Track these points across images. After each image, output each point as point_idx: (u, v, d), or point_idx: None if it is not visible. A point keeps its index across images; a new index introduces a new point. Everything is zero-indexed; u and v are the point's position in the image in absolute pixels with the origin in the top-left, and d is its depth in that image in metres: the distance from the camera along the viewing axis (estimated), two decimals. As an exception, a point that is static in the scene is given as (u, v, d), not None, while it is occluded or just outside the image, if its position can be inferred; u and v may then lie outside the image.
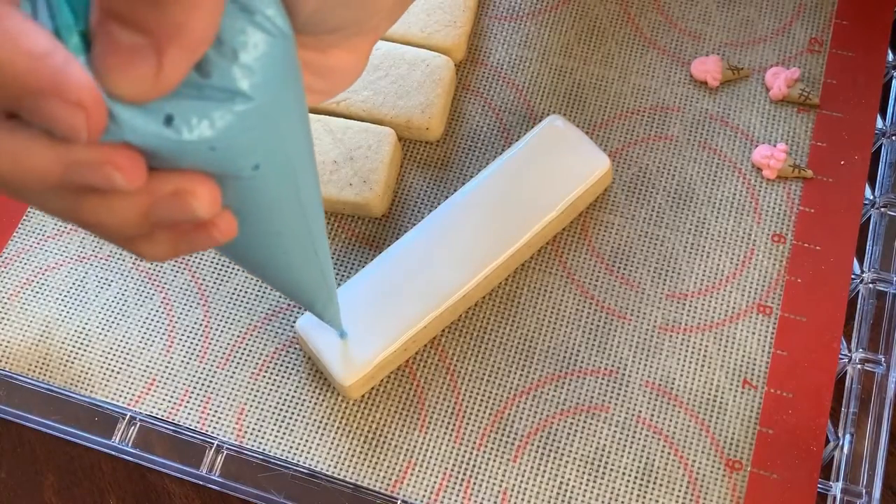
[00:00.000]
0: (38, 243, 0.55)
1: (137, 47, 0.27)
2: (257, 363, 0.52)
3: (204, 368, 0.52)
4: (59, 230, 0.56)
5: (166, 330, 0.53)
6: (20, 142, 0.28)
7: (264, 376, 0.52)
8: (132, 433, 0.50)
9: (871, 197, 0.54)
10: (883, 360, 0.50)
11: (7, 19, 0.25)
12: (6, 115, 0.28)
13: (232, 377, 0.52)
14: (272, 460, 0.49)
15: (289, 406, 0.51)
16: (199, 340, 0.53)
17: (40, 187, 0.29)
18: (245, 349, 0.52)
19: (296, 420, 0.50)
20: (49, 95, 0.26)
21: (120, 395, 0.51)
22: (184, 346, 0.52)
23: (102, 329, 0.53)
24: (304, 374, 0.52)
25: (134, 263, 0.55)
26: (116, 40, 0.27)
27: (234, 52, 0.28)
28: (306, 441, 0.50)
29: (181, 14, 0.26)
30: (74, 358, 0.52)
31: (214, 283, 0.54)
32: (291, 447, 0.50)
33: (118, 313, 0.53)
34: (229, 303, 0.53)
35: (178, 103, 0.28)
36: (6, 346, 0.53)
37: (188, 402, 0.51)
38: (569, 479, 0.49)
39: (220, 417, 0.51)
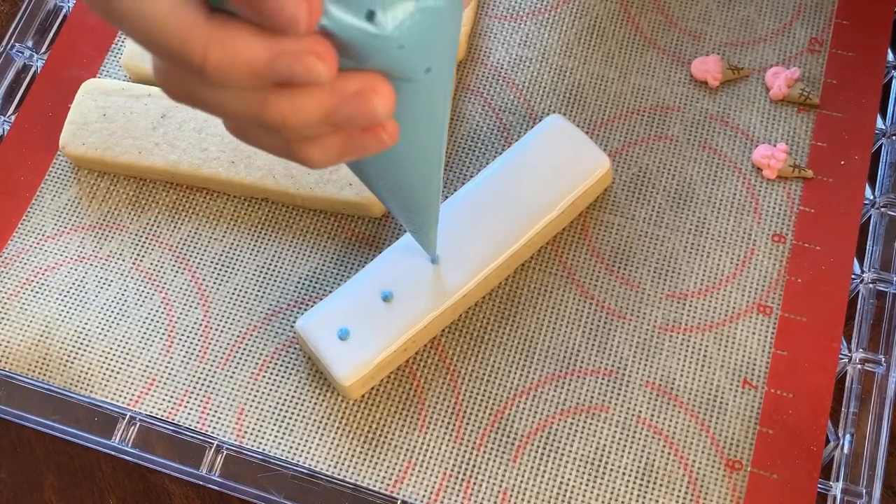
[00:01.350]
0: (38, 243, 0.55)
1: None
2: (257, 363, 0.52)
3: (204, 368, 0.52)
4: (59, 230, 0.56)
5: (166, 330, 0.53)
6: (231, 33, 0.30)
7: (264, 376, 0.52)
8: (132, 433, 0.50)
9: (871, 197, 0.54)
10: (883, 360, 0.50)
11: None
12: (210, 9, 0.30)
13: (232, 377, 0.52)
14: (272, 460, 0.49)
15: (289, 406, 0.51)
16: (199, 340, 0.53)
17: (243, 79, 0.30)
18: (245, 349, 0.52)
19: (296, 420, 0.50)
20: None
21: (120, 395, 0.51)
22: (184, 346, 0.52)
23: (102, 329, 0.53)
24: (304, 374, 0.52)
25: (134, 263, 0.55)
26: None
27: None
28: (306, 441, 0.50)
29: None
30: (74, 358, 0.52)
31: (214, 283, 0.54)
32: (291, 447, 0.50)
33: (118, 313, 0.53)
34: (229, 303, 0.53)
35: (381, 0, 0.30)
36: (6, 346, 0.53)
37: (188, 402, 0.51)
38: (569, 479, 0.49)
39: (219, 417, 0.51)
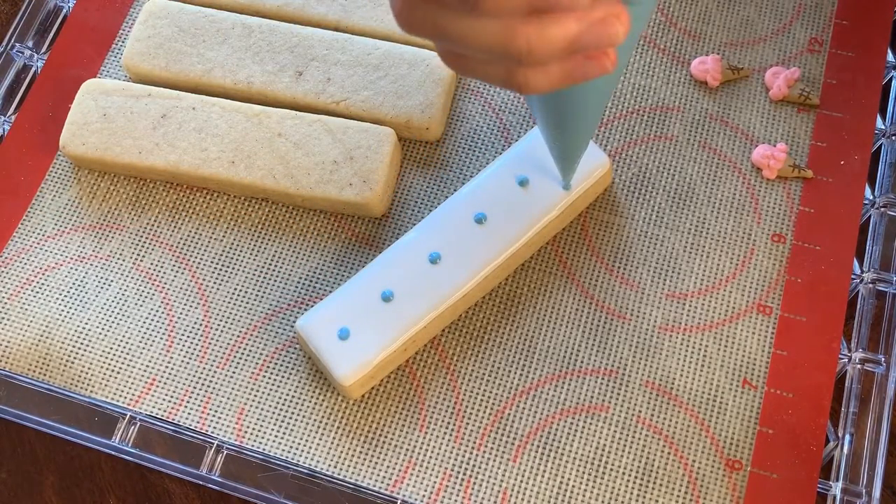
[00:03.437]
0: (38, 243, 0.55)
1: None
2: (257, 363, 0.52)
3: (204, 368, 0.52)
4: (59, 230, 0.56)
5: (166, 330, 0.53)
6: (545, 22, 0.32)
7: (264, 376, 0.52)
8: (132, 433, 0.50)
9: (871, 197, 0.54)
10: (883, 360, 0.50)
11: None
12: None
13: (232, 377, 0.52)
14: (272, 460, 0.49)
15: (289, 406, 0.51)
16: (199, 340, 0.53)
17: (513, 9, 0.32)
18: (245, 349, 0.52)
19: (296, 420, 0.50)
20: None
21: (120, 395, 0.51)
22: (184, 346, 0.52)
23: (102, 329, 0.53)
24: (304, 374, 0.52)
25: (134, 263, 0.55)
26: None
27: None
28: (306, 441, 0.50)
29: None
30: (74, 358, 0.52)
31: (214, 283, 0.54)
32: (291, 447, 0.50)
33: (118, 313, 0.53)
34: (229, 303, 0.53)
35: None
36: (6, 346, 0.53)
37: (188, 402, 0.51)
38: (569, 479, 0.49)
39: (220, 417, 0.51)
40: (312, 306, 0.52)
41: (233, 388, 0.51)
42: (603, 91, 0.41)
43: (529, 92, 0.35)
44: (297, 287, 0.54)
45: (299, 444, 0.50)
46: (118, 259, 0.55)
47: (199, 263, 0.54)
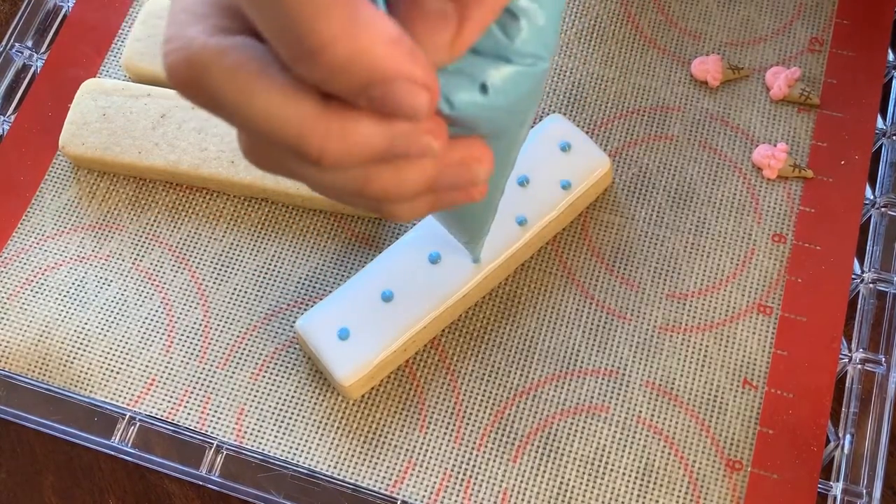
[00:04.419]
0: (38, 243, 0.55)
1: (444, 13, 0.27)
2: (257, 363, 0.52)
3: (204, 368, 0.52)
4: (58, 230, 0.56)
5: (166, 330, 0.53)
6: (349, 122, 0.28)
7: (264, 376, 0.52)
8: (132, 433, 0.50)
9: (872, 197, 0.54)
10: (883, 360, 0.50)
11: (363, 8, 0.26)
12: (322, 93, 0.28)
13: (232, 377, 0.52)
14: (272, 460, 0.49)
15: (289, 406, 0.51)
16: (198, 340, 0.53)
17: (358, 164, 0.29)
18: (245, 349, 0.52)
19: (296, 420, 0.50)
20: (400, 80, 0.26)
21: (119, 395, 0.51)
22: (183, 346, 0.52)
23: (102, 329, 0.53)
24: (304, 374, 0.51)
25: (134, 263, 0.55)
26: (425, 7, 0.27)
27: (534, 16, 0.30)
28: (306, 441, 0.50)
29: None
30: (74, 358, 0.52)
31: (214, 283, 0.54)
32: (291, 447, 0.50)
33: (118, 313, 0.53)
34: (229, 303, 0.53)
35: (490, 69, 0.30)
36: (6, 346, 0.53)
37: (188, 402, 0.51)
38: (569, 479, 0.49)
39: (219, 417, 0.51)
40: (312, 306, 0.52)
41: (232, 389, 0.51)
42: (489, 194, 0.40)
43: (401, 221, 0.34)
44: (297, 287, 0.53)
45: (299, 444, 0.50)
46: (118, 259, 0.55)
47: (199, 263, 0.54)
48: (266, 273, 0.54)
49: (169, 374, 0.52)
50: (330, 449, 0.50)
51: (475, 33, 0.28)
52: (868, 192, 0.54)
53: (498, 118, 0.32)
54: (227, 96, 0.28)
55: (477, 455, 0.49)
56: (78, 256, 0.55)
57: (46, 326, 0.53)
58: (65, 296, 0.54)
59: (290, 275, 0.54)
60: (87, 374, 0.52)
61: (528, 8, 0.30)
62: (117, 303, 0.54)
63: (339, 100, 0.28)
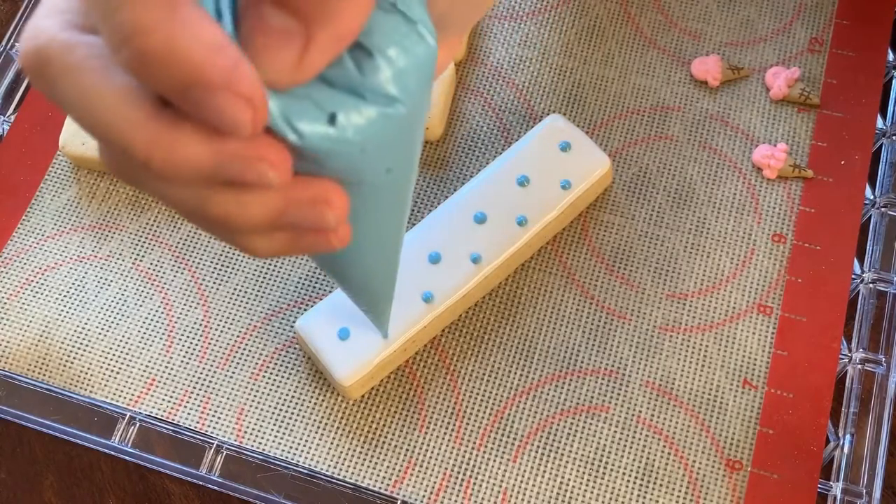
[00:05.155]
0: (38, 243, 0.55)
1: (287, 31, 0.26)
2: (257, 363, 0.52)
3: (204, 368, 0.52)
4: (58, 230, 0.56)
5: (166, 330, 0.53)
6: (176, 134, 0.27)
7: (264, 376, 0.52)
8: (132, 433, 0.50)
9: (872, 197, 0.54)
10: (883, 360, 0.50)
11: (187, 7, 0.25)
12: (161, 102, 0.27)
13: (232, 377, 0.52)
14: (272, 460, 0.49)
15: (289, 406, 0.51)
16: (198, 340, 0.53)
17: (188, 179, 0.28)
18: (245, 349, 0.52)
19: (296, 420, 0.50)
20: (220, 88, 0.25)
21: (119, 395, 0.51)
22: (184, 346, 0.52)
23: (102, 329, 0.53)
24: (304, 374, 0.51)
25: (134, 263, 0.55)
26: (268, 22, 0.26)
27: (394, 58, 0.29)
28: (306, 441, 0.50)
29: (337, 1, 0.26)
30: (74, 358, 0.52)
31: (214, 283, 0.54)
32: (291, 447, 0.50)
33: (118, 313, 0.53)
34: (229, 303, 0.53)
35: (341, 101, 0.28)
36: (6, 346, 0.53)
37: (188, 402, 0.51)
38: (569, 479, 0.49)
39: (219, 417, 0.51)
40: (312, 306, 0.52)
41: (233, 388, 0.51)
42: (372, 256, 0.38)
43: (259, 256, 0.33)
44: (297, 287, 0.54)
45: (299, 444, 0.50)
46: (118, 259, 0.55)
47: (199, 263, 0.54)
48: (266, 273, 0.54)
49: (169, 374, 0.52)
50: (330, 449, 0.50)
51: (322, 58, 0.27)
52: (868, 192, 0.54)
53: (354, 158, 0.30)
54: (66, 92, 0.28)
55: (477, 455, 0.49)
56: (78, 256, 0.55)
57: (46, 326, 0.53)
58: (65, 296, 0.54)
59: (290, 275, 0.54)
60: (87, 374, 0.52)
61: (386, 48, 0.29)
62: (117, 303, 0.54)
63: (173, 109, 0.27)
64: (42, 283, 0.54)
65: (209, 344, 0.52)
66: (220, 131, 0.27)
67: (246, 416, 0.51)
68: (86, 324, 0.53)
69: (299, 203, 0.30)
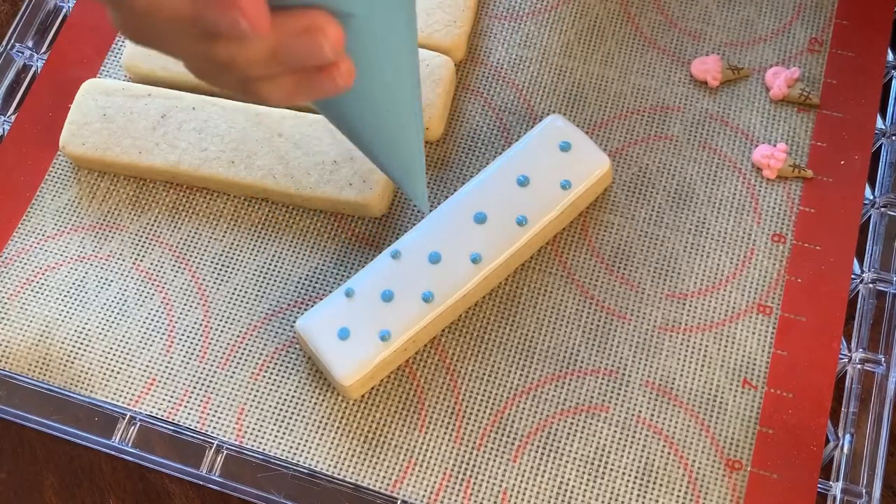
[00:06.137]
0: (38, 243, 0.55)
1: None
2: (257, 363, 0.52)
3: (204, 368, 0.52)
4: (59, 230, 0.56)
5: (166, 330, 0.53)
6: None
7: (264, 376, 0.52)
8: (132, 433, 0.50)
9: (871, 197, 0.54)
10: (883, 360, 0.50)
11: None
12: None
13: (232, 377, 0.52)
14: (272, 460, 0.49)
15: (289, 406, 0.51)
16: (199, 340, 0.53)
17: (173, 27, 0.30)
18: (245, 349, 0.52)
19: (296, 420, 0.50)
20: None
21: (120, 395, 0.51)
22: (184, 346, 0.52)
23: (102, 329, 0.53)
24: (304, 374, 0.52)
25: (134, 263, 0.55)
26: None
27: None
28: (306, 441, 0.50)
29: None
30: (74, 358, 0.52)
31: (214, 283, 0.54)
32: (291, 447, 0.50)
33: (118, 313, 0.53)
34: (229, 303, 0.53)
35: None
36: (6, 346, 0.53)
37: (188, 402, 0.51)
38: (569, 479, 0.49)
39: (219, 417, 0.51)
40: (312, 306, 0.52)
41: (233, 388, 0.51)
42: (382, 99, 0.39)
43: (272, 103, 0.35)
44: (297, 287, 0.54)
45: (299, 444, 0.50)
46: (118, 259, 0.55)
47: (199, 263, 0.54)
48: (266, 273, 0.54)
49: (169, 374, 0.52)
50: (330, 449, 0.50)
51: None
52: (868, 192, 0.54)
53: None
54: None
55: (477, 455, 0.49)
56: (78, 256, 0.55)
57: (47, 326, 0.53)
58: (65, 296, 0.54)
59: (290, 275, 0.54)
60: (87, 374, 0.52)
61: None
62: (117, 303, 0.54)
63: None
64: (42, 283, 0.54)
65: (209, 344, 0.52)
66: None
67: (246, 416, 0.51)
68: (86, 324, 0.53)
69: (294, 34, 0.32)
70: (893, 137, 0.55)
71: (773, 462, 0.48)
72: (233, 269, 0.54)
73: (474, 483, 0.49)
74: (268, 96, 0.34)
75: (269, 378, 0.51)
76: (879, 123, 0.56)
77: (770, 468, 0.48)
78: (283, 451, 0.50)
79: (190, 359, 0.52)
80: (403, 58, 0.37)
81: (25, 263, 0.55)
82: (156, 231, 0.55)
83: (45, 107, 0.59)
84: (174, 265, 0.54)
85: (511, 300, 0.53)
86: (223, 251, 0.55)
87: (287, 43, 0.32)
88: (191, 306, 0.53)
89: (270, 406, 0.51)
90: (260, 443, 0.50)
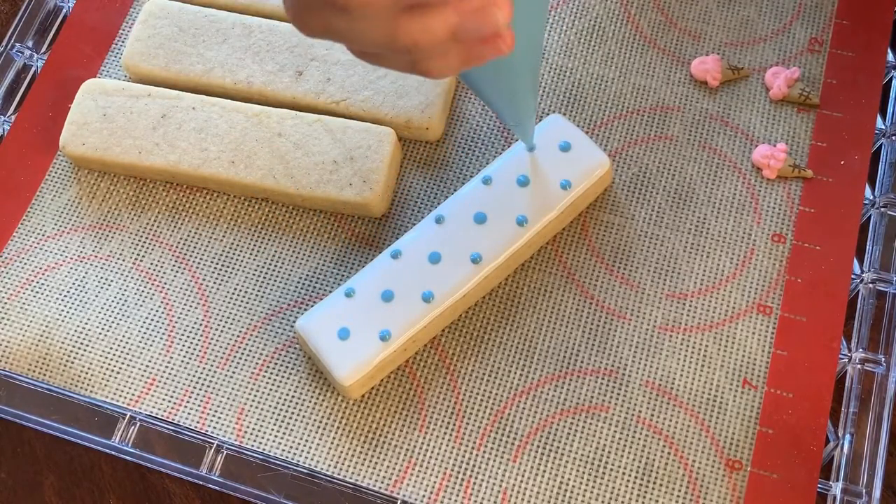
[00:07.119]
0: (38, 243, 0.55)
1: None
2: (257, 363, 0.52)
3: (204, 368, 0.52)
4: (59, 230, 0.56)
5: (166, 330, 0.53)
6: (425, 16, 0.35)
7: (264, 376, 0.52)
8: (132, 433, 0.50)
9: (871, 197, 0.54)
10: (883, 359, 0.50)
11: None
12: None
13: (232, 377, 0.52)
14: (272, 460, 0.49)
15: (289, 406, 0.51)
16: (199, 340, 0.53)
17: (380, 7, 0.34)
18: (245, 349, 0.52)
19: (296, 420, 0.50)
20: None
21: (120, 395, 0.51)
22: (184, 346, 0.52)
23: (102, 329, 0.53)
24: (304, 374, 0.52)
25: (134, 263, 0.55)
26: None
27: None
28: (306, 441, 0.50)
29: None
30: (74, 358, 0.52)
31: (214, 283, 0.54)
32: (291, 447, 0.50)
33: (118, 313, 0.53)
34: (229, 303, 0.53)
35: None
36: (6, 346, 0.53)
37: (188, 402, 0.51)
38: (569, 479, 0.49)
39: (219, 417, 0.51)
40: (312, 306, 0.52)
41: (233, 388, 0.51)
42: (525, 58, 0.43)
43: (436, 77, 0.38)
44: (297, 287, 0.54)
45: (299, 444, 0.50)
46: (118, 259, 0.55)
47: (199, 263, 0.54)
48: (266, 273, 0.54)
49: (169, 374, 0.52)
50: (330, 449, 0.50)
51: None
52: (868, 192, 0.54)
53: None
54: None
55: (477, 455, 0.49)
56: (78, 256, 0.55)
57: (47, 326, 0.53)
58: (65, 296, 0.54)
59: (290, 275, 0.54)
60: (87, 374, 0.52)
61: None
62: (117, 303, 0.54)
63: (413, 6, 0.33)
64: (42, 283, 0.54)
65: (209, 344, 0.52)
66: None
67: (246, 415, 0.51)
68: (86, 324, 0.53)
69: (472, 12, 0.35)
70: (893, 137, 0.55)
71: (773, 462, 0.48)
72: (233, 269, 0.54)
73: (474, 483, 0.49)
74: (437, 72, 0.37)
75: (269, 378, 0.51)
76: (879, 123, 0.56)
77: (770, 468, 0.48)
78: (283, 451, 0.50)
79: (190, 359, 0.52)
80: (542, 22, 0.41)
81: (25, 263, 0.55)
82: (156, 231, 0.55)
83: (45, 107, 0.59)
84: (174, 265, 0.54)
85: (511, 300, 0.53)
86: (223, 251, 0.55)
87: (467, 20, 0.35)
88: (191, 306, 0.53)
89: (270, 406, 0.51)
90: (260, 443, 0.50)
